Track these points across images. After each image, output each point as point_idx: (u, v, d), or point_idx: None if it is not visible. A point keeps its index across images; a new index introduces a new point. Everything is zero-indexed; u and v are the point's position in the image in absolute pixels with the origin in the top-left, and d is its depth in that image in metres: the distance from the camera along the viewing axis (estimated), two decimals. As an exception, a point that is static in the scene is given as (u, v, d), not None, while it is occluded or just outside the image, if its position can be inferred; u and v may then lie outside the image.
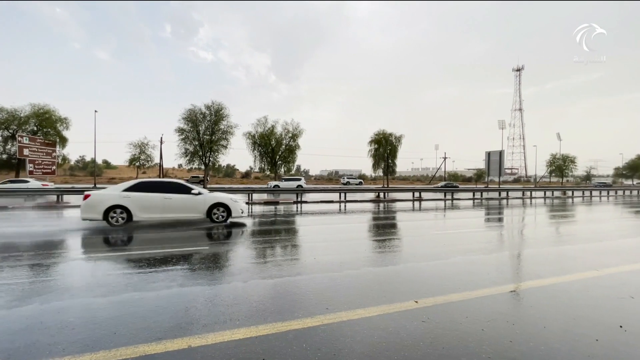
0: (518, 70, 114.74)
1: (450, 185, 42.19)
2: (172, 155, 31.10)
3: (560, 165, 47.98)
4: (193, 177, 43.79)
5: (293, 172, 48.14)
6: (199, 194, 9.24)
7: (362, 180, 51.83)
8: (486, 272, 4.57)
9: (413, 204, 18.35)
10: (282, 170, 31.77)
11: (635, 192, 36.78)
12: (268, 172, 31.92)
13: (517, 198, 25.01)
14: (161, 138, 52.61)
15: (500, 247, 6.58)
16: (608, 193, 32.70)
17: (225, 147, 27.81)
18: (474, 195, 26.01)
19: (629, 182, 61.74)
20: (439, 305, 3.26)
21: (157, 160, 48.07)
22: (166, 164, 62.00)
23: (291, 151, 28.73)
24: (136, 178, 33.76)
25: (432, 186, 41.10)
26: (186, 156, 27.03)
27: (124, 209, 8.47)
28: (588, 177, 64.73)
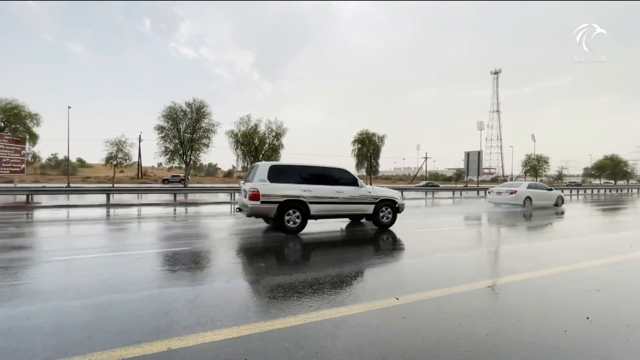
0: (496, 73, 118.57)
1: (431, 184, 43.13)
2: (152, 154, 30.31)
3: (534, 166, 50.00)
4: (173, 176, 42.72)
5: (276, 171, 47.72)
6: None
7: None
8: (465, 268, 4.71)
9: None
10: (266, 169, 31.47)
11: (602, 191, 38.86)
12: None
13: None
14: (140, 136, 51.06)
15: (478, 244, 6.80)
16: (578, 192, 34.39)
17: (207, 145, 27.24)
18: (453, 194, 26.72)
19: (597, 181, 65.17)
20: (419, 301, 3.34)
21: (135, 158, 46.61)
22: (145, 163, 60.15)
23: (275, 150, 28.45)
24: (112, 177, 32.55)
25: (414, 185, 41.90)
26: (166, 155, 26.28)
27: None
28: (560, 176, 67.78)
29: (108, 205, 14.74)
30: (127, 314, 2.97)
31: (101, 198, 17.51)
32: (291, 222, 7.20)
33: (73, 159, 61.92)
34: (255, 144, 26.98)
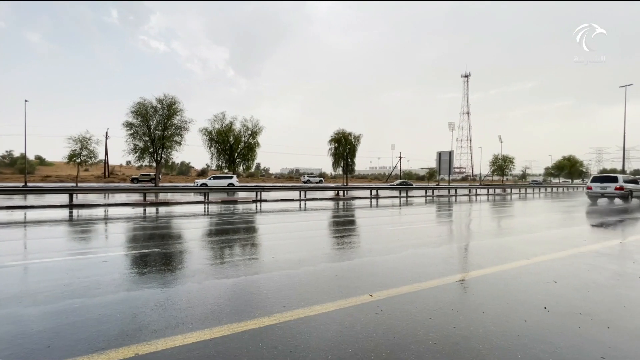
0: (466, 76, 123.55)
1: (405, 183, 44.27)
2: (120, 152, 28.88)
3: (501, 165, 52.71)
4: (143, 175, 40.95)
5: (252, 170, 47.04)
6: None
7: (322, 179, 52.38)
8: (435, 264, 4.89)
9: (370, 202, 18.98)
10: (242, 168, 30.98)
11: (561, 189, 41.61)
12: (226, 170, 30.92)
13: (464, 195, 27.01)
14: (106, 133, 48.50)
15: (448, 241, 7.07)
16: (539, 190, 36.61)
17: (179, 143, 26.40)
18: (426, 192, 27.58)
19: (556, 180, 69.74)
20: (391, 297, 3.43)
21: (101, 156, 44.23)
22: (113, 161, 57.13)
23: (250, 149, 28.07)
24: (76, 176, 30.73)
25: (389, 184, 42.84)
26: (135, 152, 25.19)
27: None
28: (524, 175, 71.90)
29: (71, 206, 13.89)
30: (91, 320, 2.83)
31: (63, 198, 16.46)
32: None
33: (31, 156, 57.68)
34: (230, 142, 26.50)
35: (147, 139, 24.99)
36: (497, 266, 4.74)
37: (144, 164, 28.08)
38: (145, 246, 5.95)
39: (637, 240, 7.16)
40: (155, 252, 5.43)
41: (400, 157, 63.65)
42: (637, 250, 6.01)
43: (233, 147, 27.16)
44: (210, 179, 30.27)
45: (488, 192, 31.64)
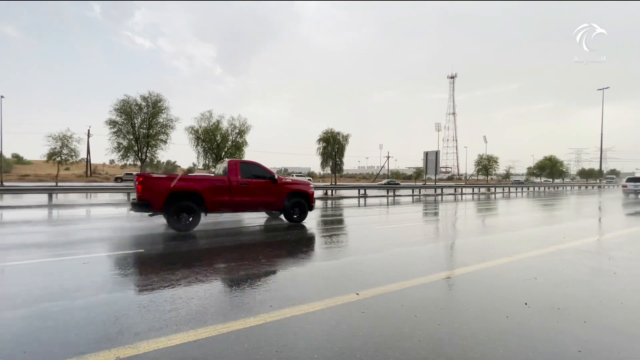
0: (452, 77, 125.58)
1: (392, 182, 44.70)
2: (103, 150, 28.11)
3: (485, 165, 53.91)
4: (127, 174, 40.01)
5: (240, 169, 46.53)
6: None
7: (311, 178, 52.33)
8: (421, 262, 4.96)
9: (358, 201, 19.09)
10: (229, 167, 30.59)
11: (542, 188, 42.87)
12: (213, 170, 30.54)
13: (450, 194, 27.51)
14: (88, 131, 47.17)
15: (434, 239, 7.19)
16: (522, 189, 37.63)
17: (165, 142, 25.88)
18: (413, 192, 27.93)
19: (538, 179, 71.82)
20: (378, 295, 3.46)
21: (83, 155, 42.97)
22: (95, 159, 55.59)
23: (238, 148, 27.71)
24: (56, 175, 29.77)
25: (377, 184, 43.21)
26: (119, 151, 24.55)
27: None
28: (507, 175, 73.73)
29: (50, 205, 13.43)
30: (70, 323, 2.74)
31: (42, 198, 15.90)
32: None
33: (7, 154, 55.48)
34: (217, 141, 26.14)
35: (131, 137, 24.39)
36: (480, 264, 4.85)
37: (128, 163, 27.43)
38: (129, 247, 5.81)
39: (613, 237, 7.45)
40: (140, 253, 5.31)
41: (388, 157, 64.38)
42: (613, 247, 6.25)
43: (220, 146, 26.77)
44: None
45: (473, 191, 32.30)
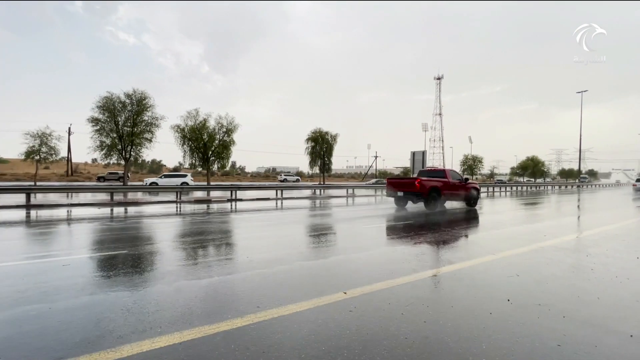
0: (438, 79, 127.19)
1: (380, 182, 45.05)
2: (85, 149, 27.26)
3: (471, 165, 55.02)
4: (110, 173, 38.96)
5: (228, 168, 46.03)
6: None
7: (299, 178, 52.21)
8: (408, 261, 5.02)
9: (347, 200, 19.17)
10: (216, 166, 30.20)
11: (524, 188, 44.06)
12: (200, 169, 30.07)
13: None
14: (69, 128, 45.73)
15: (421, 238, 7.28)
16: (506, 189, 38.55)
17: (150, 140, 25.27)
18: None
19: (520, 179, 73.77)
20: (365, 294, 3.48)
21: (64, 153, 41.62)
22: (77, 158, 53.89)
23: (225, 147, 27.37)
24: (35, 174, 28.78)
25: (365, 183, 43.46)
26: (102, 150, 23.85)
27: None
28: (492, 175, 75.47)
29: (28, 206, 12.95)
30: (49, 328, 2.65)
31: (19, 198, 15.31)
32: None
33: (-18, 152, 53.11)
34: (204, 140, 25.75)
35: (114, 135, 23.73)
36: (466, 262, 4.94)
37: (111, 162, 26.71)
38: (112, 248, 5.66)
39: (590, 234, 7.73)
40: (122, 254, 5.18)
41: (376, 157, 64.85)
42: (590, 244, 6.48)
43: (207, 145, 26.36)
44: (161, 177, 28.41)
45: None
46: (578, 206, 16.61)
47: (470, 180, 14.59)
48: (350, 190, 24.50)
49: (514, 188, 40.37)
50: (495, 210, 14.61)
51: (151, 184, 27.39)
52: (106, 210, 11.97)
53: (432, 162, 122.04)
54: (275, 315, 2.90)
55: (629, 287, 3.89)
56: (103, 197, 17.81)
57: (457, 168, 56.34)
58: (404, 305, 3.18)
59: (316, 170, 39.28)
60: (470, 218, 10.93)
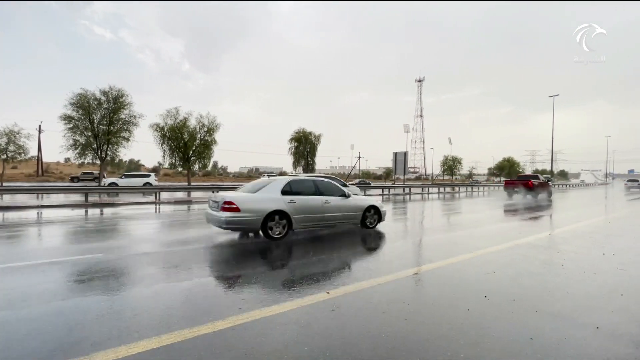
0: (420, 81, 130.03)
1: (363, 182, 45.45)
2: (57, 148, 25.95)
3: (450, 165, 56.51)
4: (85, 173, 37.38)
5: (209, 168, 45.14)
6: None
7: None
8: (390, 260, 5.10)
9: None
10: (197, 166, 29.56)
11: (496, 187, 45.69)
12: (180, 169, 29.33)
13: (417, 193, 28.49)
14: (39, 126, 43.52)
15: (402, 237, 7.42)
16: (483, 188, 39.85)
17: (128, 139, 24.41)
18: (382, 191, 28.62)
19: (497, 179, 76.45)
20: (348, 294, 3.51)
21: (34, 152, 39.60)
22: (48, 158, 51.37)
23: (207, 146, 26.77)
24: (1, 174, 27.20)
25: (348, 184, 43.77)
26: (76, 149, 22.82)
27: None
28: (470, 175, 77.73)
29: (-6, 208, 12.23)
30: (17, 337, 2.52)
31: (-16, 199, 14.43)
32: None
33: (-58, 151, 49.70)
34: (184, 139, 25.13)
35: (89, 134, 22.76)
36: (445, 260, 5.07)
37: (85, 162, 25.64)
38: (86, 251, 5.43)
39: (561, 232, 8.11)
40: (99, 258, 4.98)
41: (359, 157, 65.37)
42: (561, 242, 6.80)
43: (188, 144, 25.70)
44: (121, 177, 25.73)
45: (439, 190, 33.71)
46: (550, 205, 17.36)
47: (549, 181, 21.96)
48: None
49: (491, 188, 41.76)
50: (473, 209, 15.05)
51: (110, 184, 24.44)
52: (80, 212, 11.48)
53: (414, 162, 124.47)
54: (258, 317, 2.87)
55: (596, 282, 4.11)
56: (77, 198, 17.06)
57: (438, 168, 57.71)
58: (385, 304, 3.24)
59: (300, 170, 39.20)
60: (549, 205, 11.21)
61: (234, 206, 6.01)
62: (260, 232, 6.34)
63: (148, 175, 27.17)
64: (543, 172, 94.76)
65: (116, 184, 24.80)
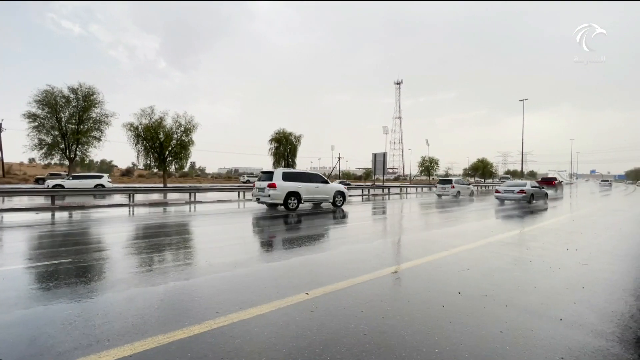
0: (398, 83, 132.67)
1: (343, 183, 45.81)
2: (20, 147, 24.33)
3: (428, 166, 58.07)
4: (52, 174, 35.38)
5: (186, 169, 43.94)
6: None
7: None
8: (369, 259, 5.16)
9: (311, 201, 19.23)
10: (174, 167, 28.71)
11: (484, 188, 47.37)
12: (156, 170, 28.37)
13: (396, 193, 29.04)
14: (0, 124, 40.74)
15: (382, 236, 7.54)
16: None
17: (99, 139, 23.41)
18: (362, 192, 28.97)
19: (472, 179, 79.31)
20: (327, 294, 3.53)
21: (-7, 152, 37.14)
22: (10, 158, 48.14)
23: (184, 147, 26.00)
24: (-43, 176, 25.28)
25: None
26: (41, 149, 21.61)
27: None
28: (446, 175, 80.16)
29: (-52, 212, 11.33)
30: (-27, 349, 2.35)
31: (-63, 203, 13.34)
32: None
33: None
34: (160, 140, 24.33)
35: (56, 133, 21.62)
36: (422, 258, 5.20)
37: (53, 162, 24.29)
38: (52, 257, 5.14)
39: (531, 230, 8.52)
40: (66, 264, 4.73)
41: (339, 158, 65.86)
42: (530, 239, 7.15)
43: (164, 144, 24.85)
44: (68, 178, 22.46)
45: (417, 190, 34.51)
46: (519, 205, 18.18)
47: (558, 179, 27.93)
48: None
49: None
50: (449, 208, 15.52)
51: (54, 186, 20.64)
52: (46, 216, 10.85)
53: (393, 163, 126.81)
54: (235, 320, 2.83)
55: (560, 276, 4.35)
56: (41, 201, 16.12)
57: (415, 169, 59.14)
58: (363, 303, 3.28)
59: (280, 171, 38.93)
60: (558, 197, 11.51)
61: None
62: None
63: (100, 176, 23.96)
64: (514, 172, 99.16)
65: (62, 186, 21.07)
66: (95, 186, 22.13)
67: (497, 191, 18.70)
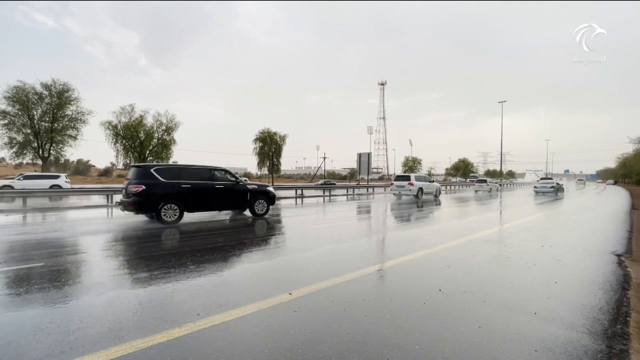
0: (382, 84, 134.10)
1: (328, 182, 45.96)
2: (-12, 146, 23.11)
3: (411, 166, 59.13)
4: (22, 175, 33.71)
5: (168, 169, 42.92)
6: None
7: (247, 178, 50.79)
8: (352, 258, 5.20)
9: (295, 201, 19.19)
10: (155, 167, 27.95)
11: (456, 187, 48.59)
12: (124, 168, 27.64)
13: (380, 193, 29.39)
14: (-33, 121, 38.64)
15: (365, 235, 7.61)
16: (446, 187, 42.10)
17: (74, 137, 22.56)
18: (347, 191, 29.16)
19: (454, 179, 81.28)
20: (310, 294, 3.53)
21: (-41, 151, 35.08)
22: (-23, 157, 45.49)
23: (165, 146, 25.42)
24: None
25: (314, 184, 43.95)
26: (12, 147, 20.62)
27: None
28: (429, 175, 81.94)
29: None
30: None
31: None
32: None
33: None
34: (140, 139, 23.67)
35: (28, 131, 20.68)
36: (405, 256, 5.28)
37: (24, 162, 23.22)
38: (24, 260, 4.91)
39: (508, 227, 8.81)
40: (39, 267, 4.53)
41: (325, 158, 66.17)
42: (507, 236, 7.39)
43: (144, 143, 24.22)
44: (19, 178, 20.22)
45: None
46: (500, 203, 18.79)
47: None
48: (299, 191, 24.57)
49: (448, 187, 44.21)
50: (432, 207, 15.85)
51: (3, 187, 18.48)
52: (16, 218, 10.35)
53: (377, 163, 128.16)
54: (217, 322, 2.79)
55: (535, 272, 4.53)
56: (35, 202, 15.36)
57: (399, 169, 60.08)
58: (346, 302, 3.29)
59: (265, 171, 38.71)
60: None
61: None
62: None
63: (57, 177, 21.35)
64: (494, 172, 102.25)
65: (11, 187, 19.00)
66: (51, 187, 19.62)
67: (535, 187, 27.69)
